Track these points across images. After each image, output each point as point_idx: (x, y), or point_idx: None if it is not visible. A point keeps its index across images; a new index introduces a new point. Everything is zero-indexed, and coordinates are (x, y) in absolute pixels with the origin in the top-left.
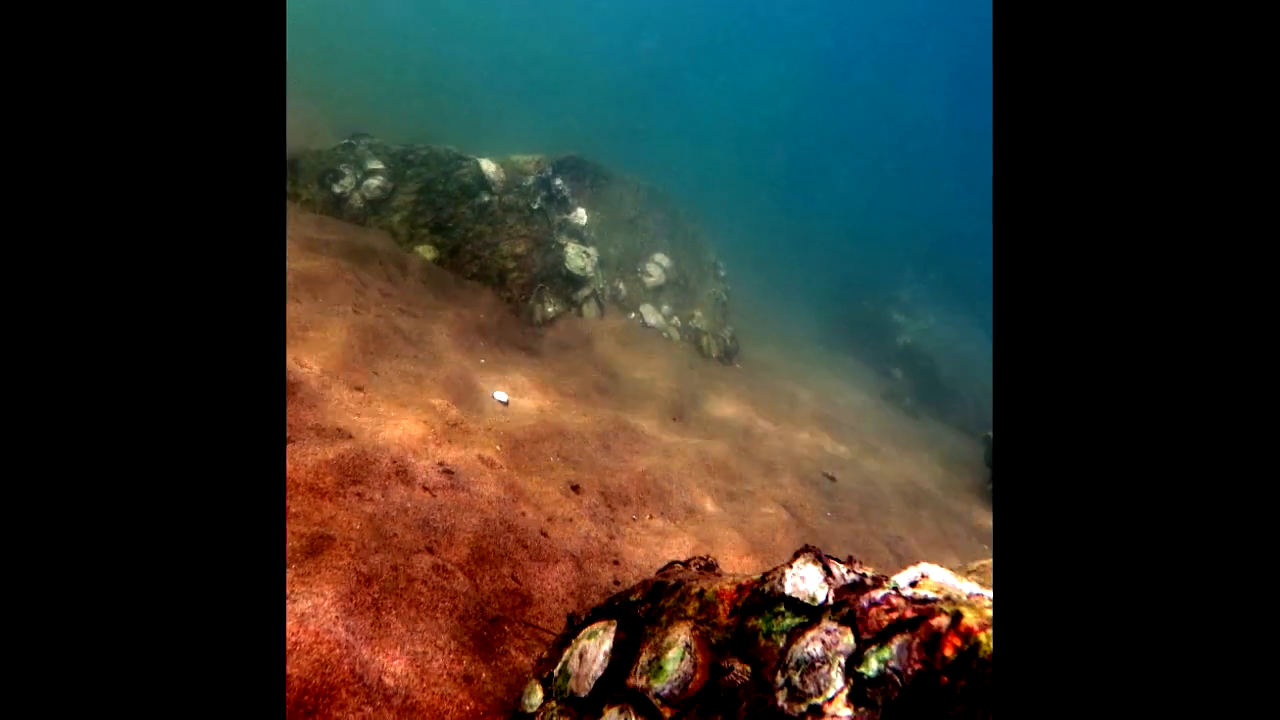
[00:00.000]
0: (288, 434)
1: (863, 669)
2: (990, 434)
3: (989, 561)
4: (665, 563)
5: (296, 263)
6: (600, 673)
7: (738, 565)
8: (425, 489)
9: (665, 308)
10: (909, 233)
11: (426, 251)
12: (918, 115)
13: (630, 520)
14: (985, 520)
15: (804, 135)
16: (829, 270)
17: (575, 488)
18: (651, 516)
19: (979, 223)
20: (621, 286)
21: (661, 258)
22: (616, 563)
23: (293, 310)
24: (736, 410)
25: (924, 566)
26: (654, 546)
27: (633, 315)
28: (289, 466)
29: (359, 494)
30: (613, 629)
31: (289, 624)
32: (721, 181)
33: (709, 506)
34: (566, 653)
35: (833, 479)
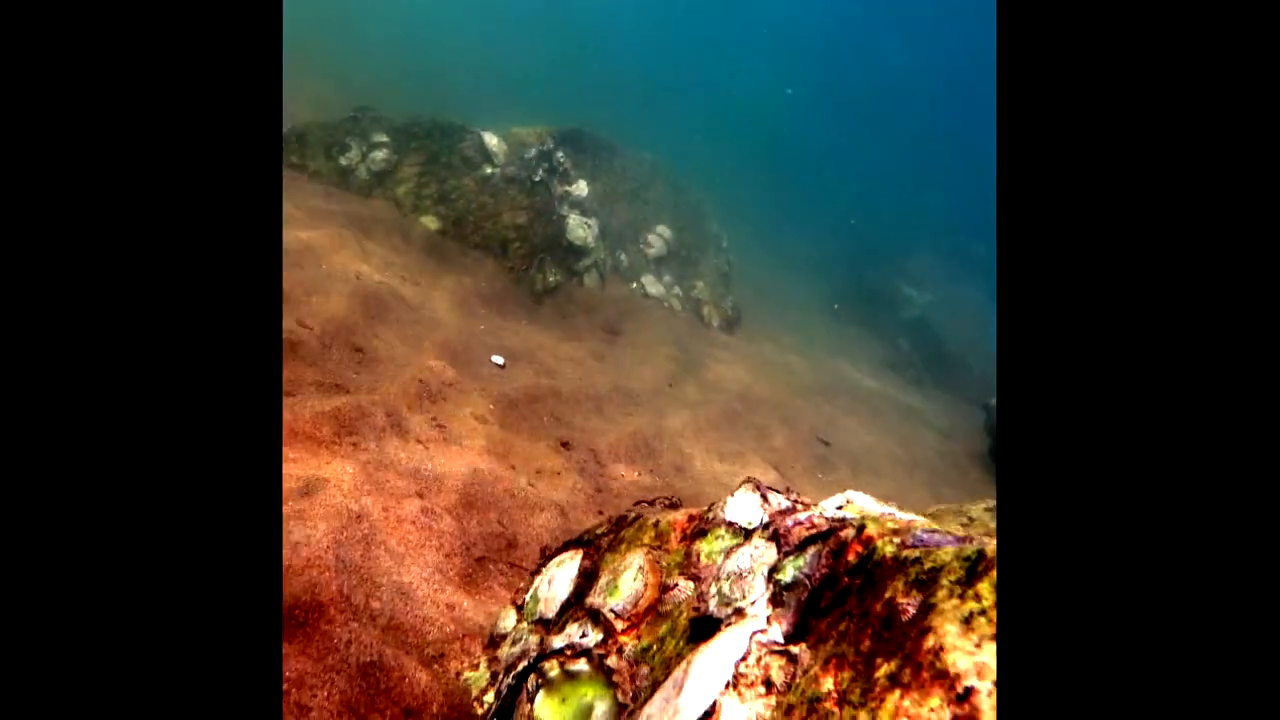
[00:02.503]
0: (288, 389)
1: (780, 575)
2: (990, 401)
3: (945, 505)
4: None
5: (303, 231)
6: (565, 595)
7: None
8: (418, 441)
9: (667, 278)
10: (919, 206)
11: (430, 222)
12: (929, 88)
13: (618, 476)
14: (981, 484)
15: (813, 108)
16: (838, 242)
17: (565, 444)
18: (639, 473)
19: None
20: (623, 257)
21: (663, 229)
22: (601, 513)
23: (298, 276)
24: (734, 377)
25: (849, 493)
26: (639, 500)
27: (634, 285)
28: (288, 417)
29: (354, 444)
30: (579, 557)
31: (284, 551)
32: (728, 154)
33: (698, 465)
34: (537, 580)
35: (827, 444)
